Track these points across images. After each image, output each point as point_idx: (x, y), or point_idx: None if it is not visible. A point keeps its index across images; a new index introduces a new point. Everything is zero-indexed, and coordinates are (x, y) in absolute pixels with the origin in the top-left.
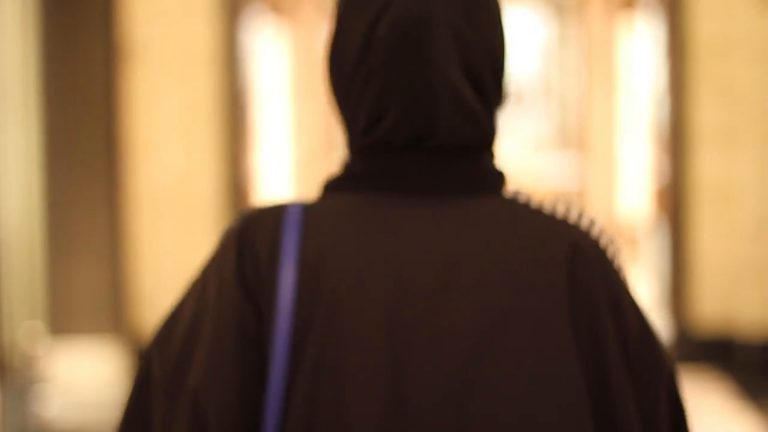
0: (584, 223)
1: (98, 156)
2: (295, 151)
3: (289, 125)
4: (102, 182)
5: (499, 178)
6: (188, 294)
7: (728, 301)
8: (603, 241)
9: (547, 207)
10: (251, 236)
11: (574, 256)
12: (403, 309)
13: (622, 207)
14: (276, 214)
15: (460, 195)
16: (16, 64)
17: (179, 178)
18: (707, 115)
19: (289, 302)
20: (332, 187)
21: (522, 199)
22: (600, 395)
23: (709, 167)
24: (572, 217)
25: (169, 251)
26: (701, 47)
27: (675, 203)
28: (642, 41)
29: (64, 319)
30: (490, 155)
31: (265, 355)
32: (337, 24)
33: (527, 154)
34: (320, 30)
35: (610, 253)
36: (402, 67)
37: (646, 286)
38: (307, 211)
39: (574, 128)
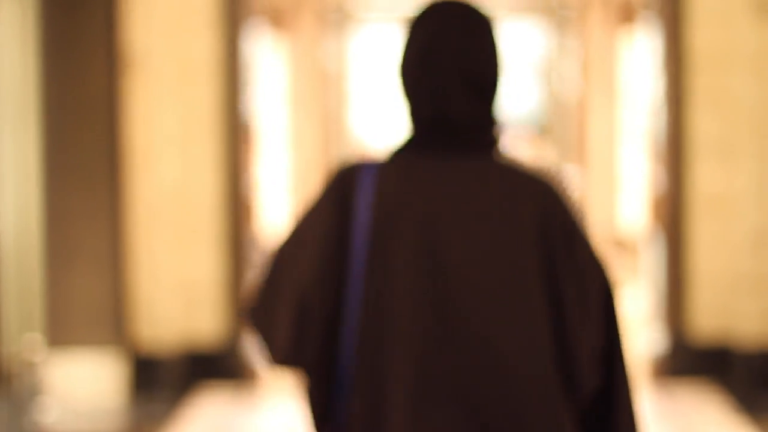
0: (551, 176)
1: (97, 166)
2: (293, 161)
3: (287, 135)
4: (101, 192)
5: (491, 146)
6: (303, 217)
7: (725, 313)
8: (564, 189)
9: (527, 166)
10: (345, 181)
11: (545, 196)
12: (431, 222)
13: (621, 218)
14: (358, 168)
15: (467, 156)
16: (15, 72)
17: (178, 189)
18: (705, 127)
19: (363, 215)
20: (397, 150)
21: (510, 160)
22: (552, 293)
23: (706, 179)
24: (544, 172)
25: (168, 262)
26: (699, 59)
27: (673, 214)
28: (641, 53)
29: (62, 330)
30: (491, 131)
31: (347, 250)
32: (404, 48)
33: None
34: (318, 42)
35: (568, 197)
36: (428, 86)
37: (644, 297)
38: (380, 166)
39: (573, 140)
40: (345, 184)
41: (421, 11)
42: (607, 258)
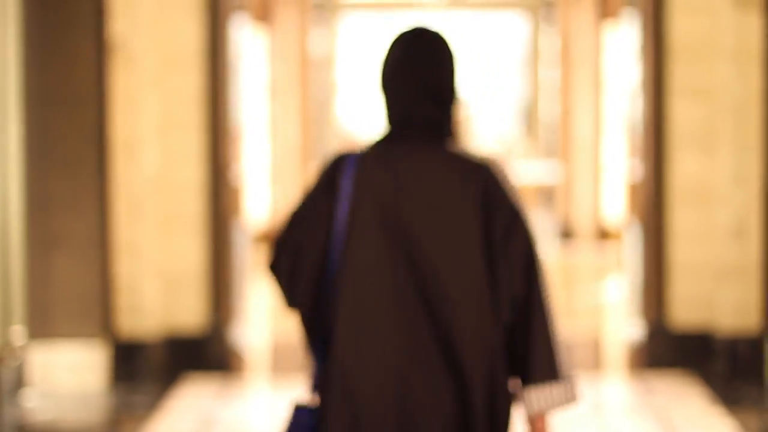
0: (492, 160)
1: (81, 154)
2: (273, 149)
3: (268, 125)
4: (85, 181)
5: (445, 139)
6: (304, 194)
7: (704, 302)
8: (501, 169)
9: (471, 154)
10: (337, 164)
11: (486, 176)
12: (395, 191)
13: (605, 208)
14: (344, 156)
15: (428, 144)
16: None
17: (162, 178)
18: (684, 116)
19: (347, 192)
20: (376, 142)
21: (458, 149)
22: (488, 243)
23: (686, 168)
24: (485, 157)
25: (152, 251)
26: (679, 48)
27: (652, 204)
28: (623, 43)
29: (44, 319)
30: (446, 127)
31: (331, 229)
32: (380, 68)
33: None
34: (301, 32)
35: (503, 175)
36: (397, 99)
37: (624, 287)
38: (360, 154)
39: (557, 131)
40: (334, 168)
41: (396, 36)
42: (531, 223)
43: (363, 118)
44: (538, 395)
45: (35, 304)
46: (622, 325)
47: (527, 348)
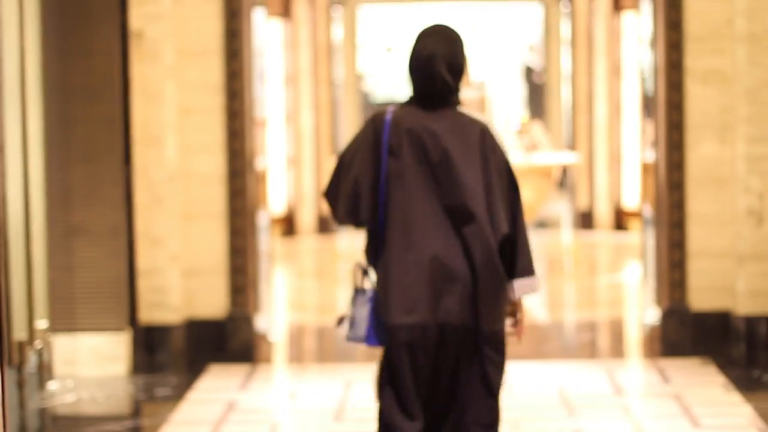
0: (487, 120)
1: (102, 145)
2: (291, 139)
3: (284, 111)
4: (106, 172)
5: (456, 103)
6: (353, 139)
7: (722, 287)
8: (492, 126)
9: (472, 113)
10: (377, 117)
11: (483, 129)
12: (421, 134)
13: (622, 193)
14: (381, 112)
15: (444, 107)
16: (20, 49)
17: (183, 167)
18: (700, 100)
19: (387, 137)
20: (401, 104)
21: (465, 111)
22: (487, 177)
23: (703, 152)
24: (482, 118)
25: (173, 239)
26: (696, 34)
27: (669, 188)
28: (639, 28)
29: (67, 311)
30: (456, 96)
31: (378, 163)
32: (409, 54)
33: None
34: (316, 25)
35: (493, 130)
36: (421, 76)
37: (642, 272)
38: (394, 110)
39: (577, 119)
40: (374, 120)
41: (423, 29)
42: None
43: (381, 104)
44: (520, 284)
45: (58, 294)
46: (641, 311)
47: (514, 254)
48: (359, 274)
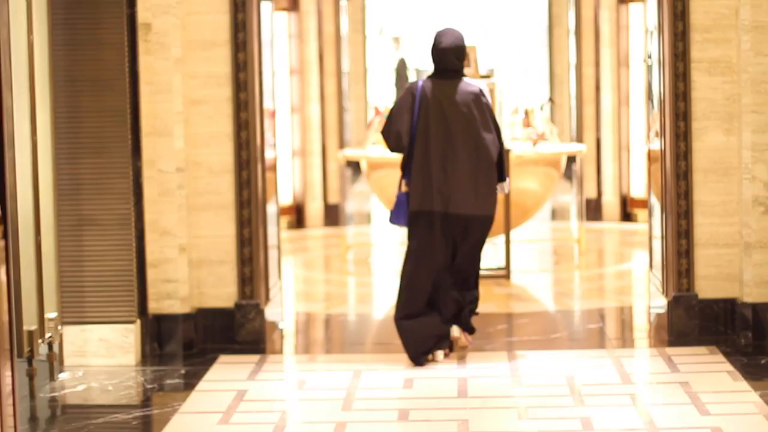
0: (482, 84)
1: (110, 136)
2: (297, 127)
3: (290, 103)
4: (115, 163)
5: (462, 75)
6: (398, 99)
7: (729, 276)
8: (484, 89)
9: (474, 81)
10: (412, 86)
11: (477, 91)
12: (440, 98)
13: (629, 182)
14: (415, 82)
15: (453, 78)
16: (25, 42)
17: (190, 158)
18: (705, 90)
19: (419, 97)
20: (427, 77)
21: (466, 80)
22: (482, 118)
23: (708, 142)
24: (477, 83)
25: (183, 232)
26: (698, 22)
27: (675, 177)
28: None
29: (77, 301)
30: (461, 71)
31: (413, 112)
32: (431, 46)
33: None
34: (319, 17)
35: (485, 91)
36: (439, 59)
37: (649, 261)
38: (423, 81)
39: (585, 108)
40: (411, 86)
41: (437, 31)
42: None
43: (386, 96)
44: (500, 185)
45: (67, 285)
46: (648, 300)
47: (500, 168)
48: (402, 182)
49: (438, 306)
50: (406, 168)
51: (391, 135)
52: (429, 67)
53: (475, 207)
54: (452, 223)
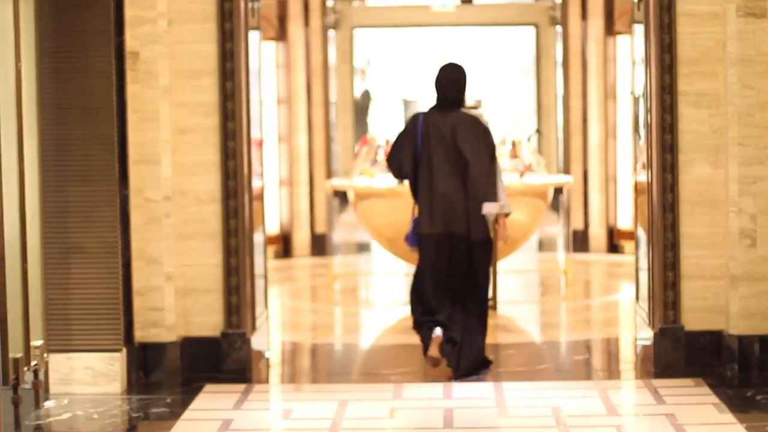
0: (477, 115)
1: (98, 164)
2: (285, 156)
3: (277, 132)
4: (102, 191)
5: (461, 106)
6: (403, 128)
7: (715, 308)
8: (481, 118)
9: (471, 112)
10: (415, 116)
11: (475, 120)
12: (442, 128)
13: (616, 214)
14: (418, 113)
15: (453, 110)
16: (13, 71)
17: (178, 187)
18: (692, 123)
19: (420, 127)
20: (430, 108)
21: (465, 111)
22: (478, 146)
23: (695, 174)
24: (475, 114)
25: (169, 261)
26: (685, 56)
27: (662, 210)
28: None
29: (63, 329)
30: (462, 103)
31: (416, 142)
32: (434, 79)
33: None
34: (307, 48)
35: (482, 120)
36: (441, 91)
37: (636, 293)
38: (425, 112)
39: (571, 140)
40: (414, 117)
41: (443, 65)
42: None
43: (378, 123)
44: (494, 206)
45: (54, 313)
46: (634, 331)
47: (487, 191)
48: (414, 208)
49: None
50: (415, 194)
51: (393, 164)
52: (415, 98)
53: (473, 230)
54: (455, 245)
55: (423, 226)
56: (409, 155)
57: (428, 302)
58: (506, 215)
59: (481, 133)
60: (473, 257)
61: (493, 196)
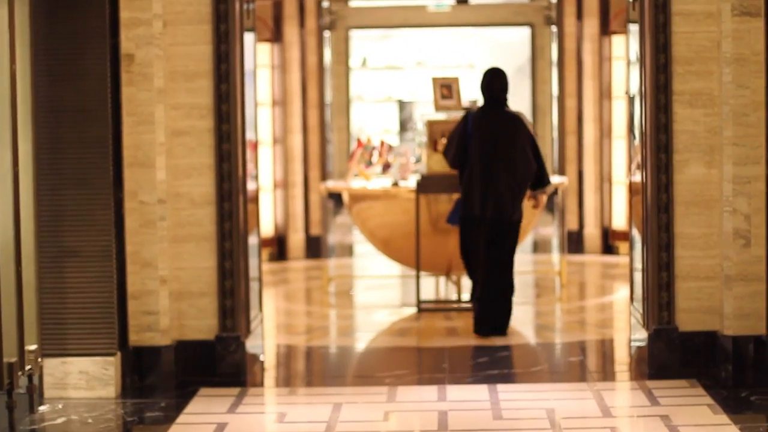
0: (520, 112)
1: (92, 167)
2: (280, 158)
3: (272, 134)
4: (97, 194)
5: (506, 104)
6: (456, 126)
7: (710, 309)
8: (523, 116)
9: (515, 110)
10: (466, 114)
11: (517, 116)
12: (488, 125)
13: (611, 215)
14: (468, 112)
15: (501, 108)
16: (7, 73)
17: (172, 190)
18: (687, 122)
19: (470, 124)
20: (479, 108)
21: (508, 109)
22: (521, 140)
23: (689, 174)
24: (517, 112)
25: (164, 264)
26: (680, 55)
27: (657, 210)
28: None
29: (57, 333)
30: (506, 102)
31: (465, 137)
32: (480, 82)
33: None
34: (302, 49)
35: (524, 118)
36: (487, 92)
37: (630, 293)
38: (475, 111)
39: (567, 140)
40: (464, 116)
41: (486, 70)
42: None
43: (371, 124)
44: (543, 190)
45: (48, 317)
46: (629, 332)
47: (541, 175)
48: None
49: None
50: (461, 180)
51: (448, 156)
52: (413, 99)
53: (507, 213)
54: (491, 225)
55: (463, 207)
56: (459, 148)
57: (471, 273)
58: (544, 192)
59: (522, 128)
60: (509, 236)
61: (547, 181)
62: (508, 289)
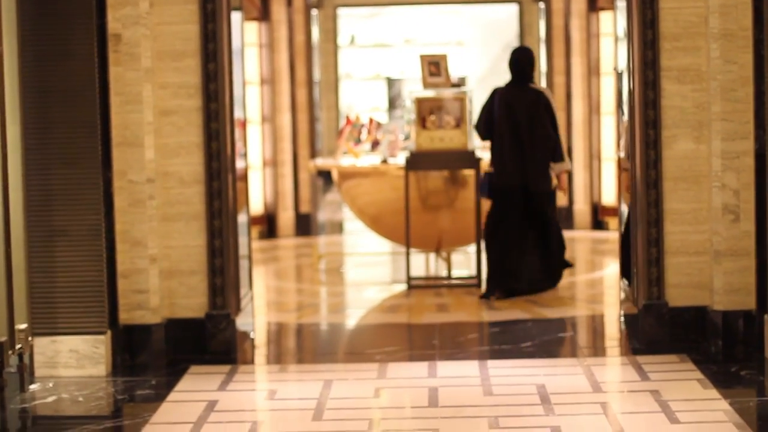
0: (544, 88)
1: (81, 147)
2: (269, 136)
3: (260, 112)
4: (85, 174)
5: (532, 81)
6: (485, 101)
7: (699, 284)
8: (546, 91)
9: (540, 86)
10: (494, 91)
11: (540, 92)
12: (511, 100)
13: (600, 191)
14: (497, 88)
15: (526, 84)
16: None
17: (161, 168)
18: (675, 98)
19: (497, 99)
20: (505, 84)
21: (533, 85)
22: (541, 114)
23: (678, 149)
24: (541, 88)
25: (154, 242)
26: (668, 30)
27: (646, 185)
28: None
29: (47, 312)
30: (531, 79)
31: (492, 111)
32: (509, 60)
33: None
34: (290, 27)
35: (546, 93)
36: (515, 69)
37: (620, 269)
38: (502, 87)
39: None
40: (494, 91)
41: (514, 49)
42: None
43: (360, 102)
44: (560, 165)
45: (38, 296)
46: (618, 308)
47: (553, 149)
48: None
49: (506, 262)
50: (492, 152)
51: (478, 130)
52: (402, 77)
53: (533, 183)
54: (521, 195)
55: (493, 179)
56: (486, 122)
57: (495, 245)
58: (567, 172)
59: (544, 104)
60: (536, 204)
61: (559, 157)
62: (554, 247)
